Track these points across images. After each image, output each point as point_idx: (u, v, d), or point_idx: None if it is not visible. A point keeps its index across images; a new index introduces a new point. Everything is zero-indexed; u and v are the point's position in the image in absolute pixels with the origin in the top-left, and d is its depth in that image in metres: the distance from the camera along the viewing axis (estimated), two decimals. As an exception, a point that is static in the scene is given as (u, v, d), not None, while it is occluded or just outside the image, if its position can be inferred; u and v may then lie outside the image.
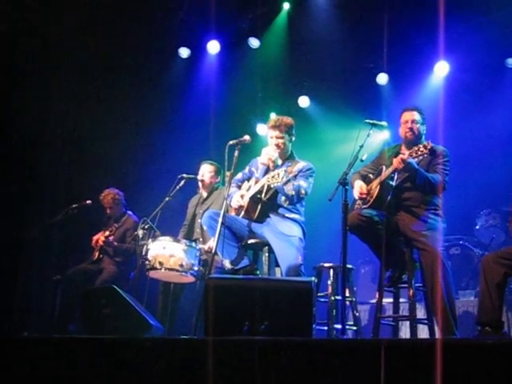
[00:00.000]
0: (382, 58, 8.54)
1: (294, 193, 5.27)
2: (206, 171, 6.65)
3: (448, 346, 2.89)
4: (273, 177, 5.15)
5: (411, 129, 5.31)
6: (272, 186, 5.23)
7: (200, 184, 6.65)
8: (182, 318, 6.42)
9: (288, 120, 5.61)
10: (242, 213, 5.53)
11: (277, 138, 5.53)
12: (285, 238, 5.31)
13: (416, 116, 5.35)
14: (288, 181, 5.23)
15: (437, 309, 4.91)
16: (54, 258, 8.15)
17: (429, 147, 4.86)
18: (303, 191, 5.33)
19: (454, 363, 2.85)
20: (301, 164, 5.54)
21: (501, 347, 2.89)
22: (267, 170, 5.53)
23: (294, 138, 5.63)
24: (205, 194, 6.69)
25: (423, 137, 5.32)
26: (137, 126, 8.52)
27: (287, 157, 5.61)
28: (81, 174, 8.22)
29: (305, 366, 3.15)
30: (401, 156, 5.02)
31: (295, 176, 5.39)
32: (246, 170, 5.84)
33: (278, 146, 5.50)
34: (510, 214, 5.07)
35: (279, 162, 5.42)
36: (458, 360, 2.87)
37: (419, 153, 4.92)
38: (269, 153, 5.45)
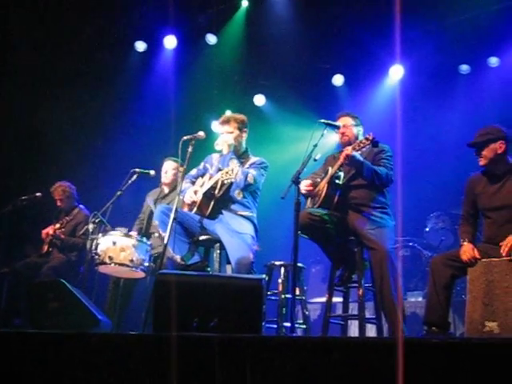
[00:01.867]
0: (338, 60, 8.62)
1: (242, 177, 5.29)
2: (169, 168, 6.61)
3: (403, 345, 2.91)
4: (226, 172, 5.16)
5: (343, 133, 5.45)
6: (226, 181, 5.24)
7: (162, 180, 6.60)
8: (132, 313, 6.36)
9: (240, 116, 5.67)
10: (195, 209, 5.52)
11: (227, 132, 5.55)
12: (237, 235, 5.31)
13: (347, 120, 5.49)
14: (238, 166, 5.30)
15: (385, 307, 4.97)
16: (1, 251, 7.99)
17: (370, 138, 4.94)
18: (251, 176, 5.35)
19: (407, 361, 2.88)
20: (254, 159, 5.57)
21: (446, 346, 2.93)
22: (220, 169, 5.55)
23: (246, 135, 5.64)
24: (166, 190, 6.65)
25: (360, 137, 5.42)
26: (91, 120, 8.42)
27: (241, 153, 5.62)
28: (33, 167, 8.09)
29: (254, 362, 3.14)
30: (345, 151, 5.08)
31: (247, 168, 5.42)
32: (201, 167, 5.83)
33: (226, 140, 5.52)
34: (460, 217, 5.14)
35: (232, 148, 5.47)
36: (406, 358, 2.90)
37: (361, 145, 5.01)
38: (225, 138, 5.47)
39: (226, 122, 5.62)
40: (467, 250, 4.67)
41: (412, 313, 6.96)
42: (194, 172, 5.81)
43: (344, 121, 5.48)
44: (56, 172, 7.88)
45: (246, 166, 5.47)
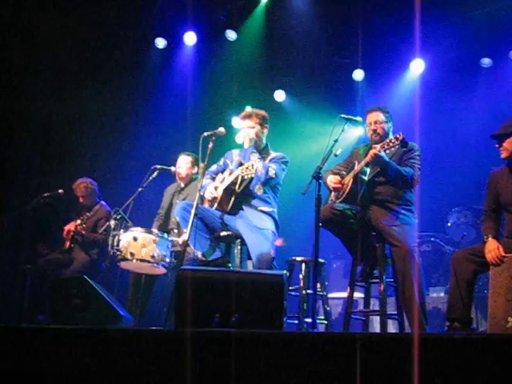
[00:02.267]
0: (358, 55, 8.58)
1: (263, 171, 5.29)
2: (183, 162, 6.62)
3: (420, 341, 2.91)
4: (247, 168, 5.17)
5: (375, 130, 5.34)
6: (246, 177, 5.24)
7: (177, 175, 6.62)
8: (153, 309, 6.39)
9: (261, 111, 5.67)
10: (216, 204, 5.52)
11: (248, 127, 5.56)
12: (257, 231, 5.31)
13: (379, 116, 5.37)
14: (259, 159, 5.33)
15: (407, 304, 4.94)
16: (24, 247, 8.07)
17: (400, 138, 4.88)
18: (272, 171, 5.34)
19: (424, 357, 2.87)
20: (274, 154, 5.57)
21: (469, 342, 2.92)
22: (241, 162, 5.56)
23: (266, 130, 5.65)
24: (182, 185, 6.66)
25: (390, 134, 5.33)
26: (112, 117, 8.46)
27: (262, 148, 5.62)
28: (54, 164, 8.15)
29: (276, 358, 3.15)
30: (372, 150, 5.04)
31: (268, 162, 5.43)
32: (221, 162, 5.83)
33: (247, 134, 5.53)
34: (482, 212, 5.08)
35: (253, 143, 5.51)
36: (428, 354, 2.89)
37: (391, 144, 4.95)
38: (246, 132, 5.49)
39: (248, 116, 5.63)
40: (492, 249, 4.57)
41: (434, 308, 6.94)
42: (214, 168, 5.82)
43: (375, 117, 5.37)
44: (77, 169, 7.92)
45: (267, 160, 5.47)
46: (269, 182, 5.44)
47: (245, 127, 5.60)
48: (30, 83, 7.95)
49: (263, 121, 5.63)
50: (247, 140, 5.55)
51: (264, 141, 5.67)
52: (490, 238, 4.67)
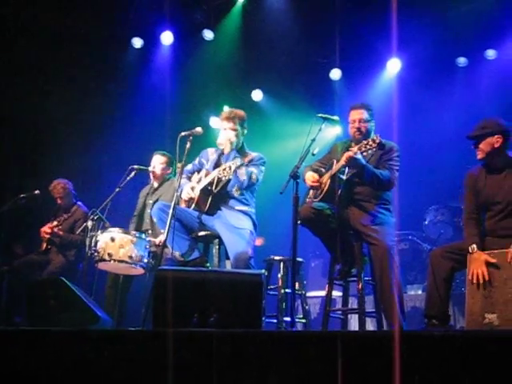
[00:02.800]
0: (335, 54, 8.61)
1: (245, 177, 5.30)
2: (157, 162, 6.60)
3: (401, 338, 2.92)
4: (224, 169, 5.16)
5: (359, 129, 5.30)
6: (223, 178, 5.23)
7: (151, 175, 6.60)
8: (131, 310, 6.36)
9: (241, 113, 5.64)
10: (193, 205, 5.51)
11: (231, 129, 5.54)
12: (235, 231, 5.31)
13: (363, 114, 5.33)
14: (241, 165, 5.27)
15: (385, 302, 4.96)
16: (0, 249, 7.99)
17: (377, 141, 4.86)
18: (254, 176, 5.37)
19: (404, 354, 2.88)
20: (251, 155, 5.56)
21: (447, 339, 2.94)
22: (217, 162, 5.55)
23: (245, 131, 5.64)
24: (156, 185, 6.63)
25: (372, 133, 5.30)
26: (88, 116, 8.41)
27: (238, 149, 5.61)
28: (29, 164, 8.08)
29: (254, 358, 3.15)
30: (348, 153, 5.03)
31: (247, 164, 5.41)
32: (196, 162, 5.80)
33: (229, 138, 5.52)
34: (458, 210, 5.10)
35: (234, 146, 5.52)
36: (407, 351, 2.91)
37: (368, 147, 4.93)
38: (228, 135, 5.49)
39: (231, 118, 5.57)
40: (479, 266, 4.47)
41: (412, 306, 6.97)
42: (189, 167, 5.78)
43: (360, 114, 5.32)
44: (53, 170, 7.86)
45: (245, 161, 5.45)
46: (250, 187, 5.46)
47: (227, 129, 5.57)
48: (2, 84, 7.87)
49: (243, 121, 5.62)
50: (228, 144, 5.54)
51: (241, 141, 5.66)
52: (475, 249, 4.56)
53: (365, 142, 4.98)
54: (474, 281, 4.47)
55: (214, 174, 5.35)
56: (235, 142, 5.56)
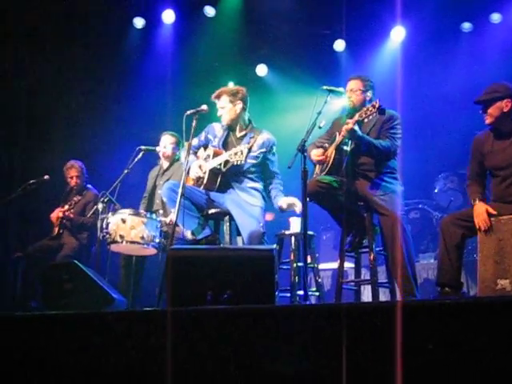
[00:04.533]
0: (338, 25, 8.53)
1: (256, 161, 5.40)
2: (167, 142, 6.58)
3: (408, 308, 2.93)
4: (235, 154, 5.13)
5: (350, 98, 5.31)
6: (234, 162, 5.21)
7: (161, 155, 6.60)
8: (145, 290, 6.40)
9: (230, 88, 5.62)
10: (202, 186, 5.49)
11: (220, 107, 5.52)
12: (247, 208, 5.31)
13: (356, 84, 5.32)
14: (250, 150, 5.31)
15: (397, 272, 4.97)
16: (13, 236, 8.05)
17: (377, 106, 4.84)
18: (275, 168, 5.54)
19: (414, 324, 2.89)
20: (261, 138, 5.49)
21: (460, 307, 2.94)
22: (225, 140, 5.54)
23: (242, 105, 5.55)
24: (165, 165, 6.63)
25: (367, 103, 5.26)
26: (92, 99, 8.40)
27: (245, 127, 5.58)
28: (36, 149, 8.10)
29: (269, 333, 3.16)
30: (345, 126, 5.03)
31: (258, 153, 5.44)
32: (202, 137, 5.74)
33: (221, 115, 5.53)
34: (467, 177, 5.09)
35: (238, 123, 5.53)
36: (418, 321, 2.92)
37: (368, 113, 4.92)
38: (219, 113, 5.52)
39: (217, 97, 5.55)
40: (481, 213, 4.57)
41: (424, 274, 6.98)
42: (195, 142, 5.72)
43: (352, 84, 5.33)
44: (59, 154, 7.87)
45: (255, 147, 5.43)
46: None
47: (218, 107, 5.56)
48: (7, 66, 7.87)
49: (234, 97, 5.52)
50: (227, 121, 5.53)
51: (245, 117, 5.61)
52: (477, 202, 4.67)
53: (364, 108, 4.98)
54: (482, 229, 4.54)
55: (225, 156, 5.32)
56: (236, 120, 5.54)
